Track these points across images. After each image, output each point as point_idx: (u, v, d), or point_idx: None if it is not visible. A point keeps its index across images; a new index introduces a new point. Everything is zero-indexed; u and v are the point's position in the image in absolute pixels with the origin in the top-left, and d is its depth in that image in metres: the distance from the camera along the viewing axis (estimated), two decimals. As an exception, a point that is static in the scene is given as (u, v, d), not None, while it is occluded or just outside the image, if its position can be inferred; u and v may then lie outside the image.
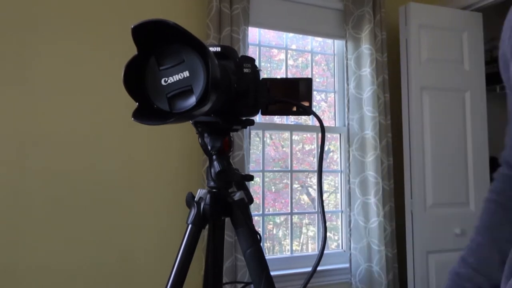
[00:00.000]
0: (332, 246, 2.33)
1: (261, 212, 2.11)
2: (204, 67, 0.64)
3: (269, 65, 2.51)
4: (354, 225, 2.16)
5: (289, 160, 2.21)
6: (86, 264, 1.67)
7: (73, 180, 1.68)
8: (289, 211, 2.20)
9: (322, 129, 0.79)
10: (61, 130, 1.68)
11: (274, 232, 2.57)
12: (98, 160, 1.72)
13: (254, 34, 2.17)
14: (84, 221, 1.68)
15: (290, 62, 2.51)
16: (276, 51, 2.46)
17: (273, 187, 2.55)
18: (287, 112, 0.88)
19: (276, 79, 0.86)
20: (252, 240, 0.76)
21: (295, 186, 2.52)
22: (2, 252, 1.56)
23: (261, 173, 2.13)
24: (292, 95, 0.84)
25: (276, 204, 2.56)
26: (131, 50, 0.64)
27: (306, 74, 2.46)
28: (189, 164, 1.87)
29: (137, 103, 0.64)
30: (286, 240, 2.47)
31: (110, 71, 1.74)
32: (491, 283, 0.62)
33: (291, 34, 2.30)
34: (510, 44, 0.44)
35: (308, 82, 0.83)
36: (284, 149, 2.59)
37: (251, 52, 2.12)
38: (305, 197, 2.74)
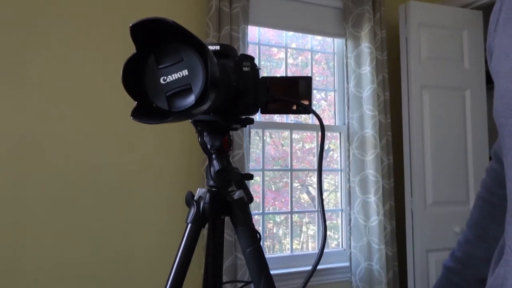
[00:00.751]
0: (332, 244, 2.33)
1: (261, 211, 2.11)
2: (203, 65, 0.64)
3: (268, 63, 2.50)
4: (354, 224, 2.16)
5: (289, 159, 2.21)
6: (85, 262, 1.67)
7: (72, 179, 1.67)
8: (289, 209, 2.20)
9: (322, 127, 0.79)
10: (60, 130, 1.68)
11: (274, 231, 2.57)
12: (97, 159, 1.72)
13: (254, 32, 2.17)
14: (84, 220, 1.68)
15: (290, 60, 2.51)
16: (275, 50, 2.46)
17: (273, 186, 2.55)
18: (286, 111, 0.87)
19: (275, 77, 0.86)
20: (252, 239, 0.76)
21: (295, 185, 2.52)
22: (2, 251, 1.56)
23: (261, 172, 2.13)
24: (292, 94, 0.83)
25: (276, 203, 2.56)
26: (131, 49, 0.64)
27: (306, 72, 2.45)
28: (188, 163, 1.86)
29: (136, 102, 0.64)
30: (286, 239, 2.47)
31: (110, 70, 1.73)
32: (476, 277, 0.64)
33: (290, 33, 2.29)
34: (493, 37, 0.44)
35: (307, 80, 0.83)
36: (284, 148, 2.59)
37: (251, 50, 2.12)
38: (305, 195, 2.74)
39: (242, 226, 0.76)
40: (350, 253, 2.16)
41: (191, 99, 0.64)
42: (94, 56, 1.75)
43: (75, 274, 1.65)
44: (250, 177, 0.82)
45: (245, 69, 0.81)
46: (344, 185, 2.26)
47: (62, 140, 1.67)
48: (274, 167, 2.46)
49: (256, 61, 1.71)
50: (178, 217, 1.75)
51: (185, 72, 0.65)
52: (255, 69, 0.83)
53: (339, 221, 2.30)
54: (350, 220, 2.17)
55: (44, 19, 1.68)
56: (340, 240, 2.29)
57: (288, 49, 2.34)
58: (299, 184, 2.65)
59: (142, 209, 1.78)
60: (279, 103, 0.84)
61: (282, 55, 2.33)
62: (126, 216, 1.75)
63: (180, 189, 1.82)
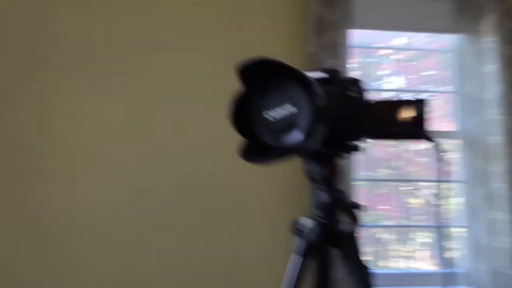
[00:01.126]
0: (451, 265, 2.09)
1: (369, 221, 2.01)
2: (309, 100, 0.63)
3: (372, 60, 2.36)
4: (479, 244, 1.90)
5: (399, 162, 2.06)
6: (197, 266, 1.78)
7: (186, 189, 1.81)
8: (401, 220, 2.05)
9: (439, 154, 0.71)
10: (180, 143, 1.81)
11: (381, 236, 2.41)
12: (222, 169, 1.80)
13: (357, 33, 2.06)
14: (199, 225, 1.81)
15: (399, 56, 2.33)
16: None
17: (381, 190, 2.40)
18: (398, 136, 0.81)
19: (385, 101, 0.80)
20: (361, 274, 0.73)
21: (404, 188, 2.34)
22: (124, 253, 1.76)
23: (366, 179, 2.03)
24: (403, 118, 0.77)
25: (383, 207, 2.41)
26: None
27: (414, 68, 2.25)
28: (292, 190, 1.80)
29: (247, 141, 0.65)
30: (394, 246, 2.30)
31: (223, 88, 1.81)
32: None
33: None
34: None
35: (421, 104, 0.76)
36: (390, 149, 2.42)
37: (353, 53, 2.02)
38: (414, 199, 2.52)
39: (351, 261, 0.73)
40: (474, 276, 1.91)
41: (298, 135, 0.63)
42: (215, 72, 1.80)
43: (188, 275, 1.77)
44: (359, 206, 0.79)
45: (352, 94, 0.77)
46: (466, 199, 2.01)
47: (180, 152, 1.81)
48: (382, 170, 2.32)
49: (359, 63, 1.63)
50: (280, 247, 1.57)
51: (291, 108, 0.65)
52: (362, 93, 0.79)
53: (460, 239, 2.05)
54: (473, 238, 1.92)
55: (165, 34, 1.84)
56: (461, 260, 2.04)
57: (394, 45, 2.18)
58: (411, 189, 2.45)
59: (245, 235, 1.82)
60: (389, 128, 0.78)
61: (385, 51, 2.18)
62: (229, 240, 1.81)
63: (282, 218, 1.75)
